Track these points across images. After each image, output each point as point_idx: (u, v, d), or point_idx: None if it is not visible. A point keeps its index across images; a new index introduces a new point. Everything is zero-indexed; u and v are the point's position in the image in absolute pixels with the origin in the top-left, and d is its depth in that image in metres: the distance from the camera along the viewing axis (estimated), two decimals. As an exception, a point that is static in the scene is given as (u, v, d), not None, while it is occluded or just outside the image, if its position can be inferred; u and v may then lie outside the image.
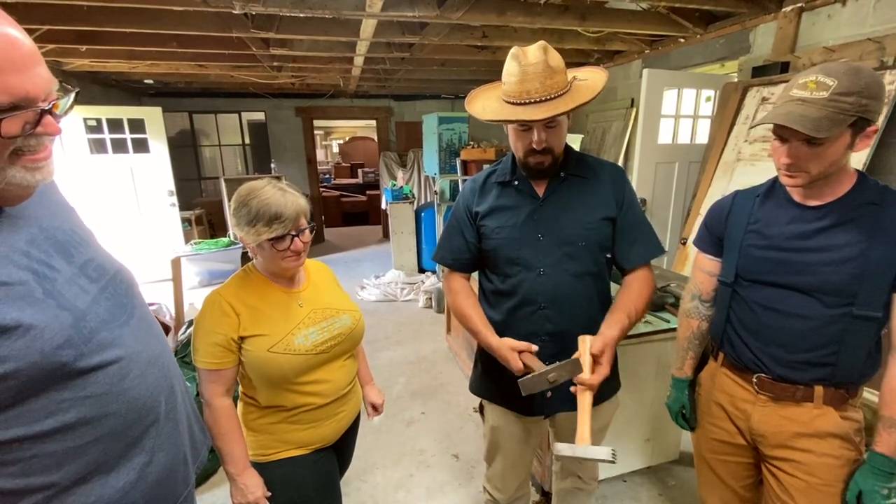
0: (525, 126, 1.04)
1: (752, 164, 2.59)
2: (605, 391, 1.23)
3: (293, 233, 1.03)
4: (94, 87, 4.85)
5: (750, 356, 1.06)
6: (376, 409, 1.41)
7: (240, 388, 1.16)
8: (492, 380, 1.21)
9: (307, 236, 1.08)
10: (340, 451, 1.26)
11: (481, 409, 1.39)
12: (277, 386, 1.07)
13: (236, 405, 1.16)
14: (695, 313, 1.21)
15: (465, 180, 4.25)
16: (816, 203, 0.97)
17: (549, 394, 1.16)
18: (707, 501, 1.28)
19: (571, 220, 1.11)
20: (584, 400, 1.01)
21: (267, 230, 1.00)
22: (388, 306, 4.20)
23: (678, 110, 3.21)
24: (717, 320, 1.16)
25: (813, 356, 0.98)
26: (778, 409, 1.03)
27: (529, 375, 0.99)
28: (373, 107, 6.66)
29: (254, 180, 1.08)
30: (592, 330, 1.16)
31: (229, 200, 5.49)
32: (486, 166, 1.34)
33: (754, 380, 1.06)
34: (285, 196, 1.02)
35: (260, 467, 1.13)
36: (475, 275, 1.31)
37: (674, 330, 1.85)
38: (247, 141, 6.80)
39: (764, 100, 2.62)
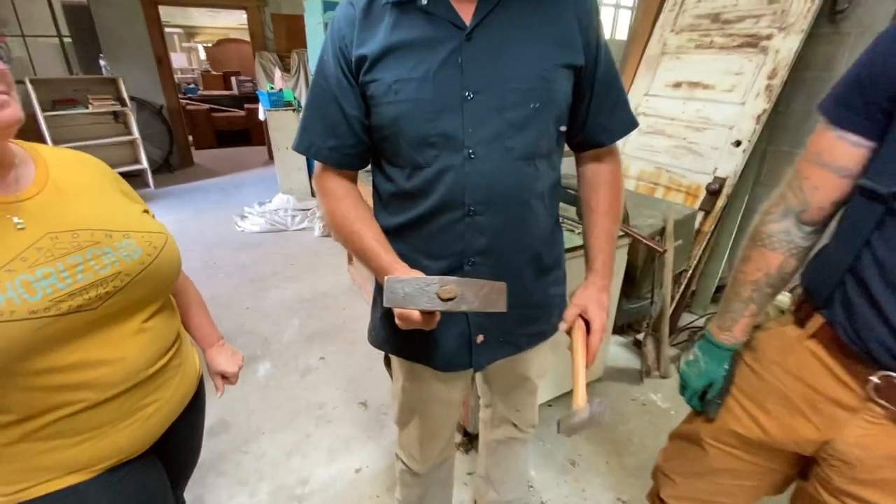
0: None
1: (678, 58, 2.35)
2: (555, 317, 0.90)
3: None
4: None
5: (883, 338, 0.60)
6: (228, 378, 0.95)
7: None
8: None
9: None
10: (169, 451, 0.81)
11: (388, 362, 1.02)
12: (-19, 382, 0.56)
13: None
14: (782, 242, 0.72)
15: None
16: None
17: (479, 338, 0.81)
18: (669, 478, 0.92)
19: (520, 66, 0.67)
20: (579, 358, 0.76)
21: None
22: (275, 237, 3.57)
23: (600, -3, 2.83)
24: (830, 260, 0.67)
25: None
26: None
27: (406, 277, 0.61)
28: (239, -8, 5.31)
29: None
30: (543, 249, 0.81)
31: (42, 109, 4.15)
32: None
33: (874, 379, 0.62)
34: None
35: (5, 515, 0.65)
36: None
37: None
38: (64, 32, 5.09)
39: (694, -19, 2.33)
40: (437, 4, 0.67)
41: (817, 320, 0.68)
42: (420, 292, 0.59)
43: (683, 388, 0.84)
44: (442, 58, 0.66)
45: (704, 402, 0.82)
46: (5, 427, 0.60)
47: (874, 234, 0.60)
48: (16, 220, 0.59)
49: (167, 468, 0.81)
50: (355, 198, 0.78)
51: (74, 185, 0.67)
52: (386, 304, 0.60)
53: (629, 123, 0.80)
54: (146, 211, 0.78)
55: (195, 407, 0.85)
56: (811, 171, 0.68)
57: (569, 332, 0.79)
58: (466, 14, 0.67)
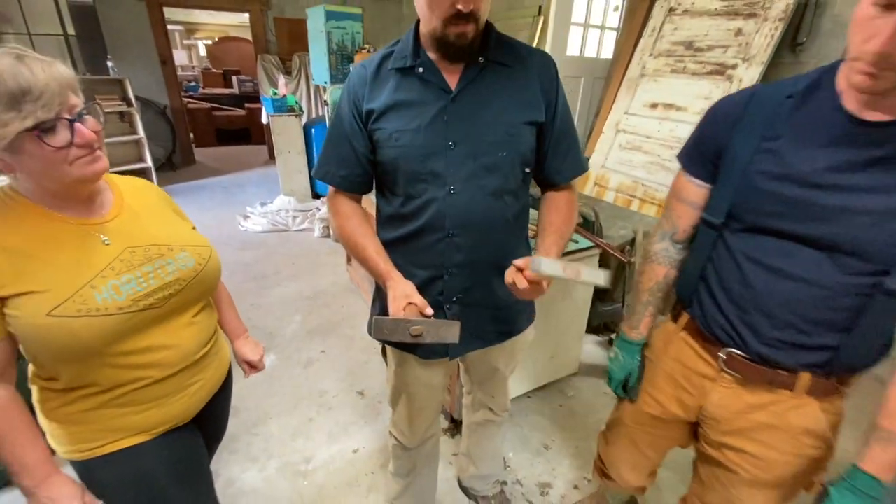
0: None
1: (655, 81, 2.55)
2: (521, 322, 1.10)
3: (67, 116, 0.66)
4: None
5: (723, 325, 0.82)
6: (253, 366, 1.14)
7: (30, 368, 0.80)
8: None
9: (94, 123, 0.70)
10: (206, 423, 1.00)
11: (384, 352, 1.21)
12: (80, 361, 0.74)
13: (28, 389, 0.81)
14: (664, 257, 0.93)
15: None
16: (883, 118, 0.63)
17: None
18: (614, 464, 1.15)
19: (491, 123, 0.87)
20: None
21: (17, 116, 0.61)
22: (277, 237, 3.74)
23: (587, 19, 3.02)
24: (689, 272, 0.89)
25: (809, 337, 0.74)
26: (744, 394, 0.84)
27: (387, 317, 0.80)
28: (243, -5, 5.45)
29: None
30: (509, 260, 1.00)
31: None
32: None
33: (721, 355, 0.84)
34: (27, 62, 0.62)
35: (82, 467, 0.83)
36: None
37: (583, 250, 1.81)
38: (70, 31, 5.21)
39: (671, 10, 2.53)
40: (431, 73, 0.86)
41: (685, 317, 0.92)
42: (397, 329, 0.79)
43: (610, 379, 1.05)
44: (432, 115, 0.85)
45: (627, 389, 1.02)
46: (92, 396, 0.78)
47: (712, 251, 0.84)
48: (103, 237, 0.77)
49: (203, 436, 0.99)
50: (360, 216, 0.97)
51: (143, 208, 0.85)
52: (374, 336, 0.80)
53: (580, 168, 0.98)
54: (193, 228, 0.96)
55: (226, 388, 1.04)
56: (675, 204, 0.91)
57: (519, 270, 0.80)
58: (453, 81, 0.86)
